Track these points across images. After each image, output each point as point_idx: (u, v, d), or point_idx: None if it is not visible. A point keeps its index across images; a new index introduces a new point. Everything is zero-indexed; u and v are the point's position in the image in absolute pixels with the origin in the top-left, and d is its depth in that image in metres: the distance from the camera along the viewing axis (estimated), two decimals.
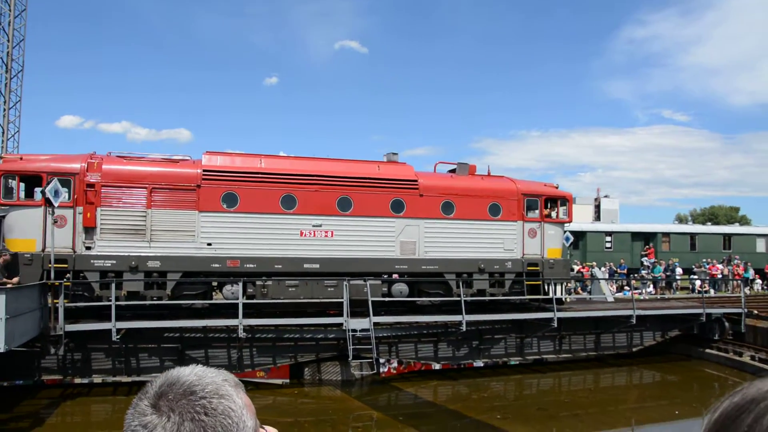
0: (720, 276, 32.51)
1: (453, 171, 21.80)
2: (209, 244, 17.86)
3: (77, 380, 16.93)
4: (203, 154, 18.77)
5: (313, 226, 18.81)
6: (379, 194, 19.47)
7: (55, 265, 16.13)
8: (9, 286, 14.11)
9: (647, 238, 36.00)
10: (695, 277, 31.72)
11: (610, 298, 25.08)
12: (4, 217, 17.22)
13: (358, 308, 17.95)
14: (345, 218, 19.09)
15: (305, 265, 18.57)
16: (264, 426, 1.70)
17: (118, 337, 15.76)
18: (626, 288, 28.30)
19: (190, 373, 1.32)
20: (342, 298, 17.57)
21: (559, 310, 19.58)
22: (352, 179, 19.31)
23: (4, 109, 31.71)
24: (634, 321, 20.35)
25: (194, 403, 1.25)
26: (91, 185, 17.08)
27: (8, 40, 31.77)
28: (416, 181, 19.99)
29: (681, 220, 75.72)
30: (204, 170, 18.07)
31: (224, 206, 18.08)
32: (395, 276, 20.03)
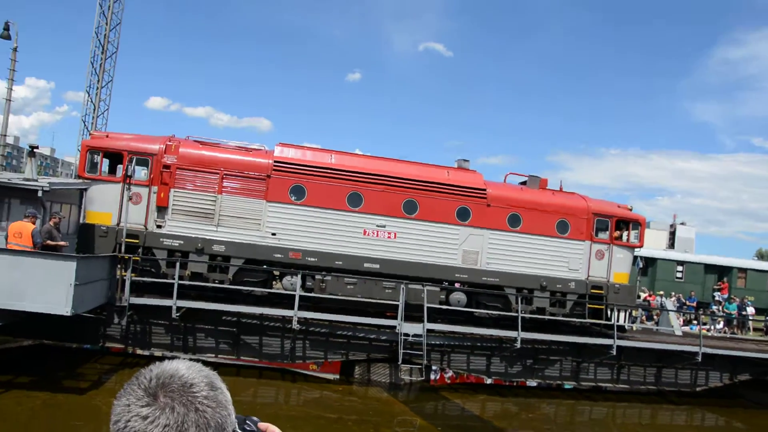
0: None
1: (524, 183, 21.45)
2: (274, 234, 18.18)
3: (138, 351, 17.53)
4: (276, 145, 19.13)
5: (377, 226, 18.87)
6: (446, 200, 19.34)
7: (127, 240, 16.78)
8: (55, 244, 14.75)
9: (722, 272, 34.42)
10: None
11: (678, 332, 24.11)
12: (86, 189, 18.01)
13: (415, 313, 17.88)
14: (409, 221, 19.06)
15: (365, 264, 18.65)
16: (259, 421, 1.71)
17: (178, 314, 16.26)
18: (694, 322, 27.17)
19: (183, 367, 1.36)
20: (398, 300, 17.55)
21: (620, 338, 18.97)
22: (420, 182, 19.26)
23: (97, 88, 33.17)
24: (699, 358, 19.46)
25: (196, 394, 1.29)
26: (167, 166, 17.67)
27: (106, 23, 33.21)
28: (485, 190, 19.76)
29: (762, 256, 72.15)
30: (275, 161, 18.40)
31: (292, 198, 18.36)
32: (456, 284, 19.89)
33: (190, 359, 1.45)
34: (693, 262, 34.36)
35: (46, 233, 14.85)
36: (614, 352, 18.60)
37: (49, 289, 13.19)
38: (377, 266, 18.69)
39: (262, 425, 1.70)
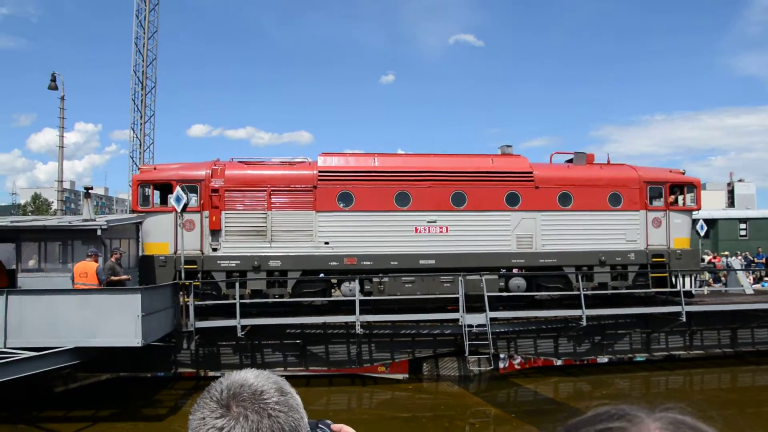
0: None
1: (570, 161, 21.15)
2: (327, 243, 18.37)
3: (210, 373, 17.93)
4: (318, 155, 19.34)
5: (428, 222, 18.88)
6: (493, 188, 19.23)
7: (185, 266, 17.20)
8: (118, 279, 15.32)
9: None
10: None
11: (749, 290, 23.36)
12: (141, 222, 18.54)
13: (476, 303, 17.81)
14: (459, 213, 19.02)
15: (421, 261, 18.68)
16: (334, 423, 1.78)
17: (243, 333, 16.58)
18: (766, 279, 26.30)
19: (251, 376, 1.41)
20: (458, 293, 17.52)
21: (688, 303, 18.51)
22: (465, 174, 19.19)
23: (141, 123, 34.16)
24: None
25: (267, 401, 1.33)
26: (215, 190, 18.06)
27: (143, 60, 34.17)
28: (531, 173, 19.57)
29: None
30: (319, 171, 18.60)
31: (340, 205, 18.53)
32: (513, 270, 19.74)
33: None
34: (756, 218, 33.21)
35: (109, 270, 15.37)
36: (684, 319, 18.13)
37: (119, 322, 13.68)
38: (433, 262, 18.70)
39: (335, 427, 1.75)
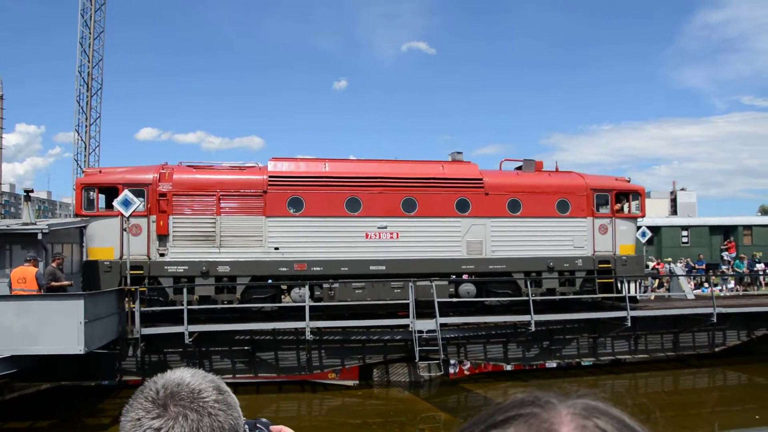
0: None
1: (519, 168, 21.45)
2: (276, 249, 18.19)
3: None
4: (269, 160, 19.16)
5: (379, 228, 18.88)
6: (444, 194, 19.35)
7: (131, 272, 16.79)
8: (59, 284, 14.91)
9: (727, 231, 34.28)
10: None
11: (690, 296, 24.05)
12: (85, 226, 18.05)
13: (426, 309, 17.87)
14: (410, 219, 19.07)
15: (371, 267, 18.66)
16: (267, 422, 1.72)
17: (191, 339, 16.27)
18: (705, 285, 27.12)
19: (188, 375, 1.36)
20: (408, 299, 17.55)
21: (633, 308, 18.94)
22: (416, 180, 19.27)
23: (86, 126, 33.31)
24: (714, 319, 19.39)
25: (206, 399, 1.29)
26: (163, 194, 17.70)
27: (89, 61, 33.34)
28: (481, 179, 19.77)
29: (766, 211, 71.93)
30: (270, 176, 18.43)
31: (290, 211, 18.38)
32: (463, 276, 19.88)
33: None
34: (697, 225, 34.25)
35: (49, 275, 14.91)
36: (629, 324, 18.55)
37: (60, 329, 13.23)
38: (383, 267, 18.70)
39: (274, 428, 1.70)
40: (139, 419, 1.23)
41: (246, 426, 1.44)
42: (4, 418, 14.74)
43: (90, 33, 33.34)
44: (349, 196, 18.72)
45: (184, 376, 1.34)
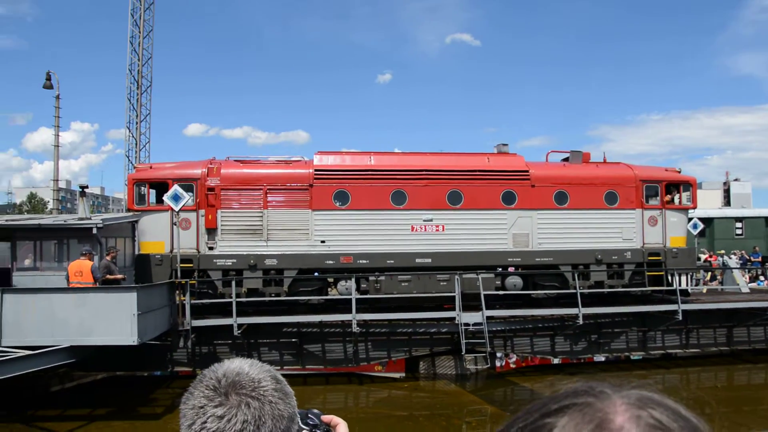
0: None
1: (566, 160, 21.18)
2: (323, 242, 18.35)
3: None
4: (314, 154, 19.33)
5: (424, 220, 18.87)
6: (490, 186, 19.22)
7: (181, 265, 17.16)
8: (113, 278, 15.34)
9: None
10: None
11: (745, 289, 23.40)
12: (137, 221, 18.50)
13: (472, 302, 17.80)
14: (456, 212, 19.01)
15: (417, 260, 18.67)
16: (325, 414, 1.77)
17: (239, 332, 16.55)
18: (762, 278, 26.36)
19: (246, 365, 1.40)
20: (454, 291, 17.51)
21: (684, 302, 18.53)
22: (462, 172, 19.19)
23: (137, 123, 34.09)
24: None
25: (265, 389, 1.33)
26: (211, 189, 18.02)
27: (138, 59, 34.09)
28: (527, 171, 19.57)
29: None
30: (315, 170, 18.58)
31: (336, 204, 18.51)
32: (509, 269, 19.74)
33: None
34: (752, 217, 33.23)
35: (104, 268, 15.34)
36: (680, 317, 18.16)
37: (115, 321, 13.64)
38: (429, 260, 18.69)
39: (325, 417, 1.74)
40: (201, 407, 1.27)
41: (298, 415, 1.48)
42: (64, 405, 15.31)
43: (139, 32, 34.08)
44: (394, 189, 18.75)
45: (243, 366, 1.38)
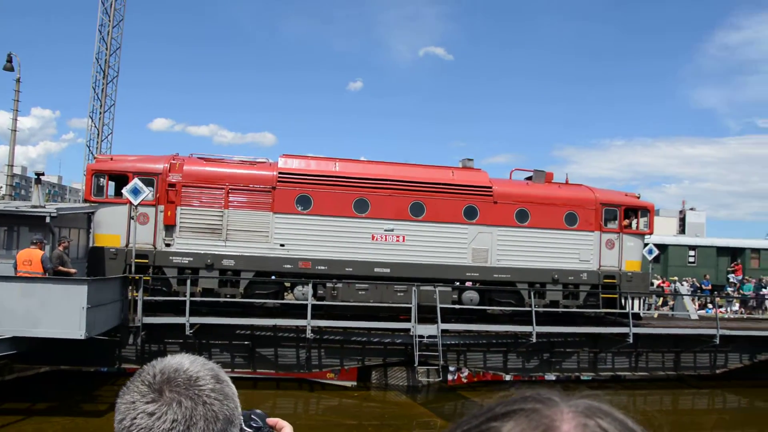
0: None
1: (529, 178, 21.41)
2: (282, 245, 18.20)
3: None
4: (279, 156, 19.20)
5: (385, 230, 18.86)
6: (453, 200, 19.31)
7: (136, 260, 16.83)
8: (66, 270, 14.99)
9: (734, 253, 34.12)
10: None
11: (694, 315, 23.92)
12: (93, 212, 18.10)
13: (428, 314, 17.83)
14: (417, 223, 19.04)
15: (376, 269, 18.63)
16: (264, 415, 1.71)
17: (192, 331, 16.30)
18: (710, 305, 26.97)
19: (187, 361, 1.35)
20: (411, 303, 17.51)
21: (636, 325, 18.85)
22: (426, 184, 19.24)
23: (100, 113, 33.36)
24: (717, 341, 19.28)
25: (202, 388, 1.28)
26: (172, 185, 17.74)
27: (106, 48, 33.45)
28: (490, 187, 19.72)
29: None
30: (279, 173, 18.44)
31: (298, 208, 18.39)
32: (467, 283, 19.84)
33: None
34: (705, 246, 34.10)
35: (57, 259, 14.95)
36: (630, 340, 18.47)
37: (62, 313, 13.26)
38: (388, 270, 18.67)
39: (271, 420, 1.68)
40: (133, 402, 1.24)
41: (241, 417, 1.42)
42: (2, 398, 14.79)
43: (109, 20, 33.43)
44: (357, 197, 18.71)
45: (183, 362, 1.33)
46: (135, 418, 1.21)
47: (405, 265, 18.77)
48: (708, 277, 30.47)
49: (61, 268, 14.93)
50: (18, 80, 27.67)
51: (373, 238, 18.76)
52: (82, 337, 13.25)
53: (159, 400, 1.23)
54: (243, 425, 1.44)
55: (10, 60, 26.77)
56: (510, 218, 19.63)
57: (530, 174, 21.48)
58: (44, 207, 16.61)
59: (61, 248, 15.31)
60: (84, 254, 18.33)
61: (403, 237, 18.92)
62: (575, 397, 0.88)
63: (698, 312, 25.02)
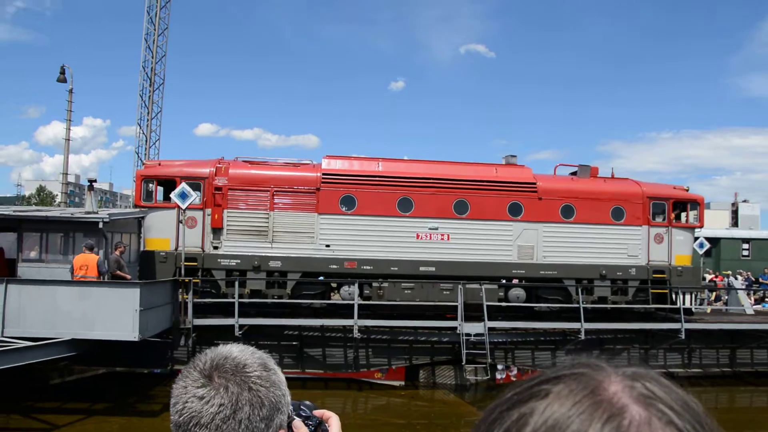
0: None
1: (574, 174, 21.14)
2: (328, 246, 18.36)
3: None
4: (323, 158, 19.37)
5: (430, 229, 18.86)
6: (497, 197, 19.20)
7: (185, 263, 17.20)
8: (122, 275, 15.43)
9: None
10: None
11: (750, 310, 23.27)
12: (143, 217, 18.57)
13: (475, 312, 17.76)
14: (461, 221, 18.99)
15: (421, 268, 18.65)
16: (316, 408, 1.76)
17: (241, 332, 16.57)
18: (767, 300, 26.19)
19: (236, 350, 1.42)
20: (457, 301, 17.48)
21: (687, 321, 18.44)
22: (469, 182, 19.17)
23: (147, 120, 34.23)
24: None
25: (248, 375, 1.35)
26: (218, 188, 18.06)
27: (152, 56, 34.27)
28: (535, 183, 19.54)
29: None
30: (323, 173, 18.61)
31: (342, 209, 18.52)
32: (513, 281, 19.70)
33: None
34: (759, 239, 33.11)
35: (115, 263, 15.43)
36: (683, 336, 18.08)
37: (117, 316, 13.67)
38: (433, 269, 18.67)
39: (318, 412, 1.74)
40: (185, 387, 1.32)
41: (291, 406, 1.48)
42: (64, 398, 15.32)
43: (155, 29, 34.28)
44: (401, 196, 18.75)
45: (232, 350, 1.41)
46: (186, 402, 1.30)
47: (450, 264, 18.74)
48: (767, 270, 29.56)
49: (118, 272, 15.38)
50: (71, 91, 28.52)
51: (417, 236, 18.77)
52: (136, 339, 13.63)
53: (208, 385, 1.30)
54: (291, 413, 1.50)
55: (63, 72, 27.66)
56: (555, 214, 19.42)
57: (575, 169, 21.21)
58: (97, 213, 17.13)
59: (117, 253, 15.77)
60: (135, 258, 18.83)
61: (448, 235, 18.89)
62: (624, 366, 0.93)
63: (754, 306, 24.33)
